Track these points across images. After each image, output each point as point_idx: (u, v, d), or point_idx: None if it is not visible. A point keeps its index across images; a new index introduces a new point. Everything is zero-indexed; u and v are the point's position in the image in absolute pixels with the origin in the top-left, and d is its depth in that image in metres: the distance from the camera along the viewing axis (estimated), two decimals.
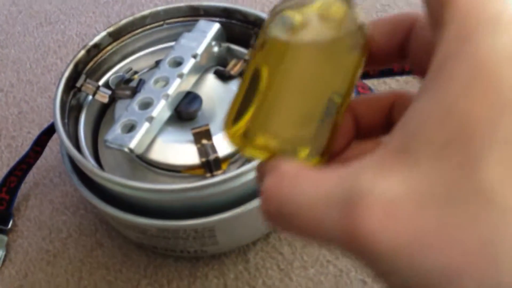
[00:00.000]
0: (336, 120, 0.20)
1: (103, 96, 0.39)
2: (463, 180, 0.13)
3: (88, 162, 0.34)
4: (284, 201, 0.16)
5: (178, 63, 0.39)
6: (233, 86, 0.40)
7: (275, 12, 0.20)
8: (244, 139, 0.19)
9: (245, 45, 0.42)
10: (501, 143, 0.13)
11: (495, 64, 0.14)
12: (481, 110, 0.13)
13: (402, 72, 0.47)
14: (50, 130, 0.43)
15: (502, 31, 0.14)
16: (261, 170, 0.18)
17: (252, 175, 0.33)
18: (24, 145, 0.50)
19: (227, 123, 0.19)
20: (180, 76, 0.37)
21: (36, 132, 0.50)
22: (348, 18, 0.20)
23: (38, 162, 0.46)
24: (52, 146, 0.48)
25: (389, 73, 0.46)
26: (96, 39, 0.41)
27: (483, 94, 0.13)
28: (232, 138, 0.20)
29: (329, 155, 0.19)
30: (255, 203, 0.35)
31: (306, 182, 0.16)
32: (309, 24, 0.20)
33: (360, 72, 0.20)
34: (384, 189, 0.14)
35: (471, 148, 0.13)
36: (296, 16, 0.20)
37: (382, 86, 0.51)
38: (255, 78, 0.20)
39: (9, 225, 0.43)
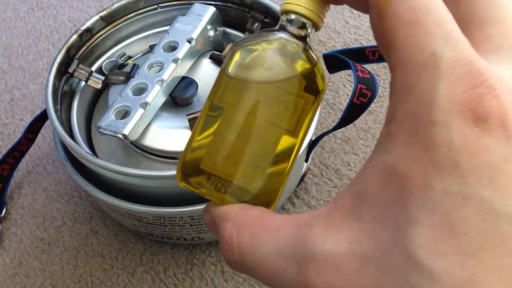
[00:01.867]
0: (287, 167, 0.19)
1: (96, 82, 0.39)
2: (396, 244, 0.14)
3: (81, 149, 0.33)
4: (246, 254, 0.18)
5: (172, 47, 0.38)
6: None
7: (235, 48, 0.20)
8: (182, 174, 0.20)
9: (241, 29, 0.41)
10: (430, 209, 0.14)
11: (433, 123, 0.14)
12: (416, 173, 0.14)
13: None
14: (42, 117, 0.43)
15: (441, 79, 0.14)
16: (213, 214, 0.19)
17: None
18: (16, 133, 0.49)
19: (180, 159, 0.20)
20: (175, 61, 0.37)
21: (28, 119, 0.49)
22: (301, 58, 0.19)
23: (31, 150, 0.45)
24: (45, 133, 0.47)
25: None
26: (88, 23, 0.40)
27: (419, 156, 0.14)
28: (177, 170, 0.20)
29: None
30: None
31: (263, 233, 0.17)
32: (264, 62, 0.19)
33: (314, 115, 0.20)
34: (332, 247, 0.15)
35: (405, 212, 0.14)
36: (252, 54, 0.20)
37: (382, 70, 0.51)
38: (211, 112, 0.19)
39: (3, 213, 0.43)
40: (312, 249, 0.16)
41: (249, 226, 0.18)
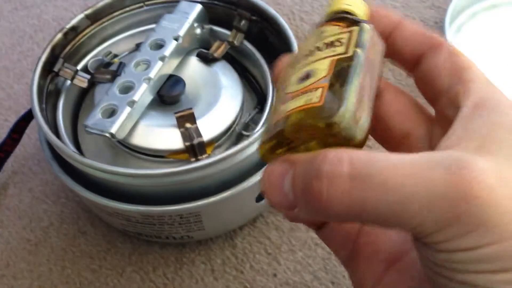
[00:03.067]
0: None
1: (82, 81, 0.38)
2: None
3: (68, 148, 0.33)
4: (364, 162, 0.15)
5: (159, 45, 0.37)
6: (217, 68, 0.39)
7: None
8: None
9: (228, 26, 0.41)
10: None
11: None
12: None
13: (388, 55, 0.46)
14: (28, 117, 0.42)
15: None
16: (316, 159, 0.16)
17: (237, 158, 0.32)
18: (1, 133, 0.48)
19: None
20: (162, 59, 0.36)
21: (13, 120, 0.49)
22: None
23: (16, 150, 0.44)
24: (30, 133, 0.46)
25: None
26: (73, 21, 0.39)
27: None
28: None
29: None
30: (240, 187, 0.34)
31: (386, 156, 0.16)
32: None
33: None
34: (487, 165, 0.15)
35: None
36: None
37: None
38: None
39: None
40: (466, 161, 0.15)
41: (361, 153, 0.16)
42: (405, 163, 0.16)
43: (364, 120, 0.18)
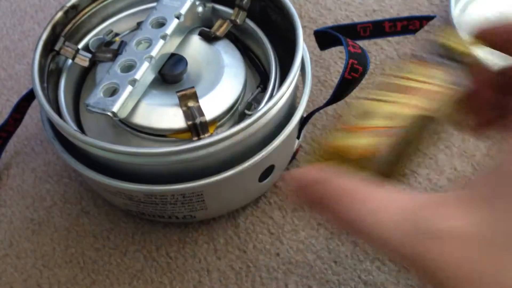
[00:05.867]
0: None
1: (83, 60, 0.38)
2: None
3: (69, 127, 0.33)
4: (348, 190, 0.19)
5: (160, 23, 0.37)
6: (219, 47, 0.39)
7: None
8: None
9: (231, 5, 0.41)
10: None
11: None
12: None
13: (393, 32, 0.45)
14: (29, 96, 0.42)
15: None
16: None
17: (240, 137, 0.32)
18: (3, 113, 0.48)
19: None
20: (164, 37, 0.36)
21: (15, 100, 0.48)
22: None
23: (19, 130, 0.44)
24: (32, 113, 0.46)
25: (380, 33, 0.45)
26: (74, 0, 0.39)
27: None
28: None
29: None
30: (243, 166, 0.34)
31: (377, 193, 0.19)
32: None
33: None
34: (458, 226, 0.16)
35: None
36: None
37: (374, 46, 0.50)
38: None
39: None
40: (435, 223, 0.16)
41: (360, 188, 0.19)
42: (386, 203, 0.18)
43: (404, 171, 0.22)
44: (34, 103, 0.43)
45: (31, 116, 0.46)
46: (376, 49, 0.50)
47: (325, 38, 0.43)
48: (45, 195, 0.43)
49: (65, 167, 0.44)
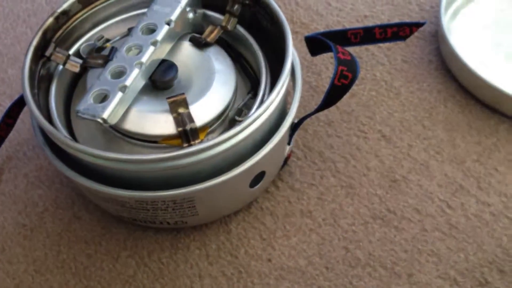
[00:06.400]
0: None
1: (74, 66, 0.38)
2: None
3: (59, 133, 0.33)
4: None
5: (151, 30, 0.37)
6: (210, 53, 0.39)
7: None
8: None
9: (222, 11, 0.41)
10: None
11: None
12: None
13: (384, 39, 0.46)
14: (21, 102, 0.42)
15: None
16: None
17: (230, 144, 0.32)
18: None
19: None
20: (154, 43, 0.36)
21: (7, 105, 0.48)
22: None
23: (11, 135, 0.44)
24: (24, 118, 0.46)
25: (371, 39, 0.45)
26: (65, 5, 0.39)
27: None
28: None
29: None
30: (233, 173, 0.34)
31: None
32: None
33: None
34: None
35: None
36: None
37: (364, 52, 0.51)
38: None
39: None
40: None
41: None
42: None
43: None
44: (26, 108, 0.43)
45: (23, 121, 0.47)
46: (367, 55, 0.50)
47: (315, 44, 0.43)
48: (37, 200, 0.43)
49: (57, 172, 0.44)
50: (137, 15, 0.41)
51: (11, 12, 0.58)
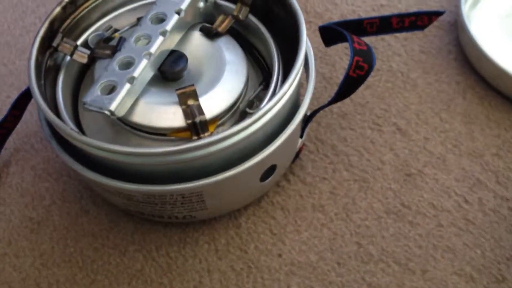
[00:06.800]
0: None
1: (82, 56, 0.37)
2: None
3: (66, 126, 0.32)
4: None
5: (160, 19, 0.36)
6: (221, 43, 0.38)
7: None
8: None
9: (233, 0, 0.40)
10: None
11: None
12: None
13: (401, 28, 0.44)
14: (28, 93, 0.41)
15: None
16: None
17: (240, 137, 0.31)
18: (3, 110, 0.47)
19: None
20: (163, 33, 0.35)
21: (15, 96, 0.48)
22: None
23: (18, 127, 0.44)
24: (32, 110, 0.45)
25: (387, 29, 0.44)
26: None
27: None
28: None
29: None
30: (244, 166, 0.33)
31: None
32: None
33: None
34: None
35: None
36: None
37: (380, 43, 0.49)
38: None
39: None
40: None
41: None
42: None
43: None
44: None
45: (31, 113, 0.46)
46: (383, 45, 0.49)
47: (330, 34, 0.42)
48: (44, 193, 0.42)
49: (64, 165, 0.43)
50: (147, 4, 0.40)
51: (19, 2, 0.57)
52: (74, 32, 0.39)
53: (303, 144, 0.41)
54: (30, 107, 0.44)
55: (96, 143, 0.31)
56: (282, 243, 0.39)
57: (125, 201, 0.36)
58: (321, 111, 0.40)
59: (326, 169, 0.42)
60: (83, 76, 0.39)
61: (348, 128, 0.44)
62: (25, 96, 0.41)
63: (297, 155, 0.41)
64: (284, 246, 0.39)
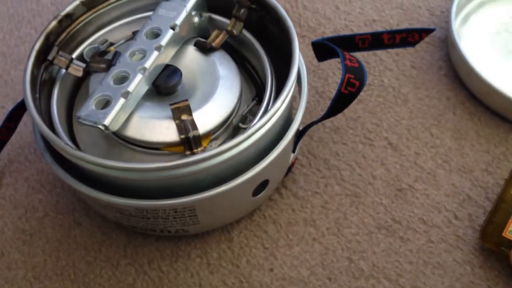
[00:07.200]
0: None
1: (77, 70, 0.37)
2: None
3: (60, 140, 0.32)
4: None
5: (155, 34, 0.36)
6: (215, 58, 0.38)
7: None
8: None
9: (228, 15, 0.40)
10: None
11: None
12: None
13: (392, 45, 0.45)
14: (23, 105, 0.41)
15: None
16: None
17: (233, 153, 0.32)
18: None
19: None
20: (158, 48, 0.35)
21: (10, 107, 0.48)
22: None
23: (12, 139, 0.44)
24: (27, 121, 0.46)
25: (379, 45, 0.45)
26: (68, 8, 0.38)
27: None
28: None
29: None
30: (236, 182, 0.33)
31: None
32: None
33: None
34: None
35: None
36: None
37: (372, 57, 0.50)
38: None
39: None
40: None
41: None
42: None
43: None
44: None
45: (26, 124, 0.46)
46: (375, 60, 0.50)
47: (322, 49, 0.43)
48: (37, 205, 0.42)
49: (58, 176, 0.43)
50: (142, 18, 0.41)
51: (15, 12, 0.57)
52: (69, 45, 0.39)
53: (296, 158, 0.42)
54: (25, 118, 0.44)
55: (90, 158, 0.31)
56: (274, 258, 0.39)
57: (117, 215, 0.36)
58: (314, 125, 0.41)
59: (318, 183, 0.43)
60: (77, 89, 0.40)
61: (340, 143, 0.45)
62: (20, 108, 0.42)
63: (289, 169, 0.41)
64: (275, 260, 0.39)
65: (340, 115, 0.46)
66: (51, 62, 0.37)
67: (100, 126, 0.32)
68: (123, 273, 0.39)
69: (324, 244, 0.40)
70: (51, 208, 0.42)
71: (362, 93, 0.47)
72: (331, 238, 0.40)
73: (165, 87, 0.36)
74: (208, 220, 0.37)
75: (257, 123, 0.32)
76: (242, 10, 0.39)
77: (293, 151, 0.39)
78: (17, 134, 0.45)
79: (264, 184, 0.37)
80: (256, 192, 0.37)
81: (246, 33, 0.40)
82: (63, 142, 0.32)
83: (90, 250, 0.40)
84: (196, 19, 0.39)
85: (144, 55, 0.35)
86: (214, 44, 0.39)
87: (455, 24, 0.48)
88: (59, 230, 0.41)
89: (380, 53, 0.50)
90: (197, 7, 0.38)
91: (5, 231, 0.41)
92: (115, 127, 0.33)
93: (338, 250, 0.39)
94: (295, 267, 0.39)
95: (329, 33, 0.52)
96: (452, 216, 0.41)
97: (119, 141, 0.35)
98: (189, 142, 0.33)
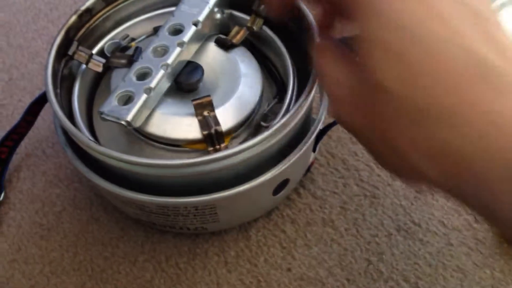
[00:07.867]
0: None
1: (97, 65, 0.37)
2: None
3: (84, 136, 0.32)
4: None
5: (178, 30, 0.36)
6: (236, 55, 0.38)
7: None
8: None
9: (247, 11, 0.40)
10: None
11: None
12: None
13: None
14: (42, 100, 0.41)
15: None
16: None
17: (257, 150, 0.31)
18: (15, 114, 0.47)
19: None
20: (181, 44, 0.35)
21: (27, 100, 0.48)
22: None
23: (30, 132, 0.44)
24: (44, 115, 0.45)
25: None
26: (88, 3, 0.38)
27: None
28: None
29: None
30: (258, 180, 0.33)
31: None
32: None
33: None
34: None
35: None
36: None
37: None
38: None
39: (1, 198, 0.42)
40: None
41: None
42: None
43: None
44: (47, 104, 0.43)
45: (43, 118, 0.46)
46: None
47: None
48: (55, 199, 0.42)
49: (75, 171, 0.43)
50: (163, 13, 0.40)
51: (32, 5, 0.57)
52: (88, 40, 0.39)
53: (314, 158, 0.41)
54: (42, 112, 0.44)
55: (112, 154, 0.31)
56: (292, 257, 0.39)
57: (137, 211, 0.36)
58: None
59: (336, 183, 0.42)
60: (97, 84, 0.39)
61: (358, 143, 0.44)
62: (39, 102, 0.41)
63: (308, 169, 0.41)
64: (293, 260, 0.39)
65: None
66: (71, 57, 0.37)
67: (123, 122, 0.32)
68: (141, 269, 0.39)
69: (342, 245, 0.39)
70: (68, 203, 0.42)
71: None
72: (349, 239, 0.40)
73: (187, 83, 0.36)
74: (228, 218, 0.37)
75: (280, 120, 0.32)
76: (262, 6, 0.39)
77: (313, 151, 0.39)
78: (34, 128, 0.45)
79: (284, 183, 0.36)
80: (277, 191, 0.36)
81: (266, 30, 0.39)
82: (87, 138, 0.32)
83: (107, 245, 0.40)
84: (218, 16, 0.38)
85: (167, 51, 0.35)
86: (234, 41, 0.38)
87: None
88: (76, 225, 0.41)
89: None
90: (220, 4, 0.38)
91: (22, 225, 0.41)
92: (137, 124, 0.33)
93: (357, 251, 0.39)
94: (313, 267, 0.38)
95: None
96: (472, 219, 0.40)
97: (140, 137, 0.35)
98: (212, 138, 0.33)
